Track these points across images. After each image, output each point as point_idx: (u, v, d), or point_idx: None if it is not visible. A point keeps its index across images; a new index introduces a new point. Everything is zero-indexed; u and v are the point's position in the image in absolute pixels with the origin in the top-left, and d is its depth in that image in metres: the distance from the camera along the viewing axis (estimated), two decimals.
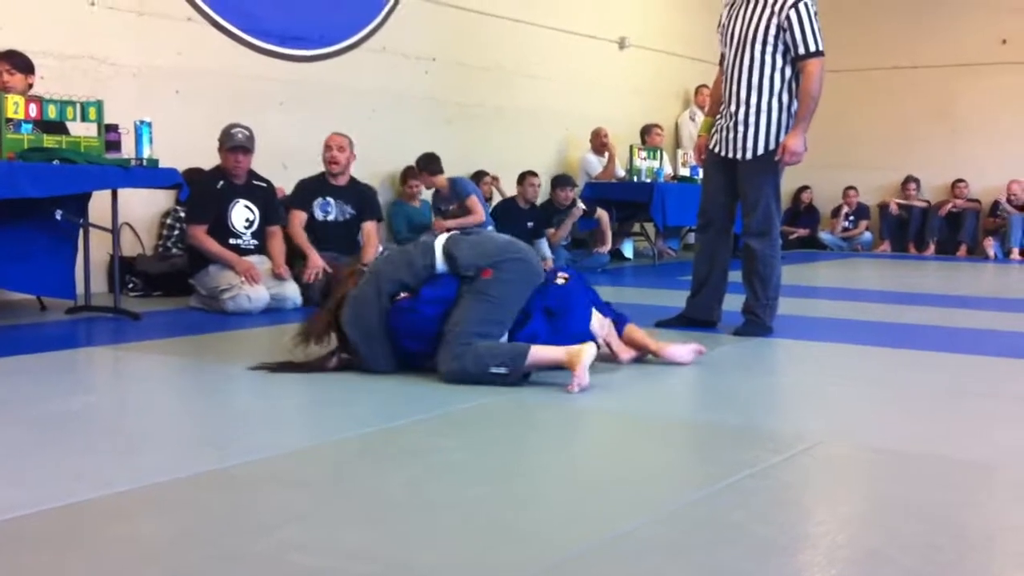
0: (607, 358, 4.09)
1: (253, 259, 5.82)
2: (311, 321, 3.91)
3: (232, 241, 5.85)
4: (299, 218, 6.24)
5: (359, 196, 6.48)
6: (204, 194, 5.71)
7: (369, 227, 6.40)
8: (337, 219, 6.37)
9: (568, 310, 3.92)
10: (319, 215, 6.33)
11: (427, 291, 3.80)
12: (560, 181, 8.80)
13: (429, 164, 7.97)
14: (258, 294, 5.61)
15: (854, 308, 6.34)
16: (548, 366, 3.68)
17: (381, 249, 5.98)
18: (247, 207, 5.94)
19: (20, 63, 5.38)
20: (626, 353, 4.15)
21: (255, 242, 5.95)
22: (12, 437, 2.91)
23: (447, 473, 2.62)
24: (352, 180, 6.50)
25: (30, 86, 5.40)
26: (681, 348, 4.20)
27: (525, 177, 8.53)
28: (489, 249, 3.84)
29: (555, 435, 3.17)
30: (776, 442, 2.96)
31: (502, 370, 3.61)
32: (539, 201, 8.71)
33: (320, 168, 6.51)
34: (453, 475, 2.61)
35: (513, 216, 8.32)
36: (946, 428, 3.27)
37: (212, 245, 5.77)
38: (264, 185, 6.08)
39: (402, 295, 3.83)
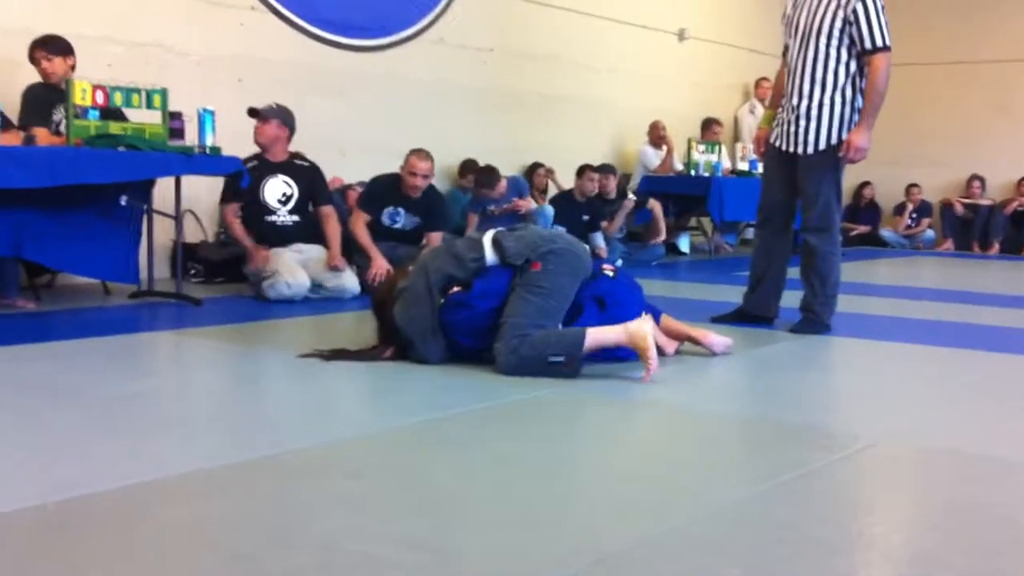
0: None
1: (312, 251, 5.86)
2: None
3: (268, 218, 5.87)
4: (363, 219, 6.15)
5: (430, 207, 6.32)
6: (233, 175, 5.73)
7: (434, 236, 6.21)
8: (404, 227, 6.29)
9: (621, 302, 3.93)
10: (386, 221, 6.24)
11: (479, 284, 3.83)
12: (601, 169, 8.70)
13: (492, 179, 7.89)
14: (297, 279, 5.58)
15: (915, 307, 6.23)
16: (607, 348, 3.68)
17: None
18: (284, 182, 5.92)
19: (57, 47, 5.39)
20: (671, 346, 4.15)
21: (294, 218, 5.93)
22: (75, 418, 2.98)
23: (496, 465, 2.63)
24: (428, 189, 6.34)
25: (72, 68, 5.43)
26: (719, 337, 4.23)
27: (583, 171, 8.50)
28: (536, 241, 3.87)
29: (605, 429, 3.16)
30: (831, 441, 2.92)
31: (560, 359, 3.62)
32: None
33: (383, 160, 6.49)
34: (502, 467, 2.62)
35: (569, 208, 8.30)
36: (1005, 429, 3.21)
37: (233, 226, 5.86)
38: (307, 165, 6.08)
39: (454, 289, 3.85)
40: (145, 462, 2.53)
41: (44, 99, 5.34)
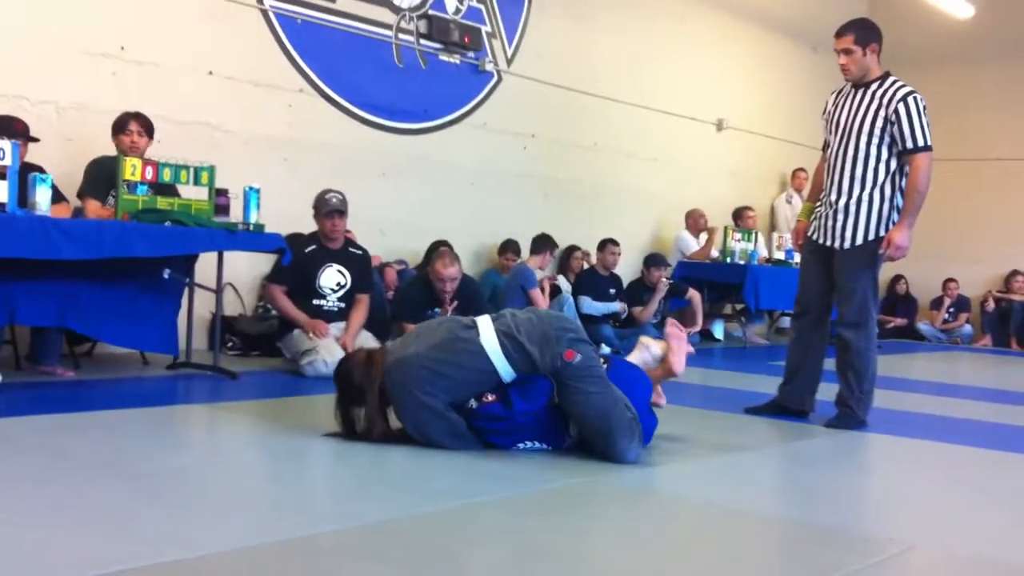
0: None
1: (334, 327, 5.92)
2: (367, 428, 3.78)
3: (316, 302, 5.97)
4: (408, 327, 5.99)
5: (467, 297, 6.29)
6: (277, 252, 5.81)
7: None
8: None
9: (629, 381, 3.95)
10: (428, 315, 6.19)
11: (520, 403, 3.70)
12: (654, 260, 8.80)
13: (545, 246, 8.13)
14: (335, 358, 5.56)
15: (953, 404, 6.16)
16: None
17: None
18: (339, 272, 6.05)
19: (147, 126, 5.60)
20: (661, 399, 4.23)
21: (341, 304, 6.04)
22: (111, 493, 3.00)
23: (528, 557, 2.62)
24: (460, 282, 6.30)
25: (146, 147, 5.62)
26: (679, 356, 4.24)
27: (605, 245, 8.59)
28: (551, 331, 3.65)
29: (639, 524, 3.14)
30: (867, 544, 2.88)
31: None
32: (618, 270, 8.69)
33: (423, 239, 6.50)
34: (534, 559, 2.60)
35: (594, 284, 8.38)
36: None
37: (284, 304, 5.94)
38: (360, 253, 6.21)
39: (489, 398, 3.72)
40: (180, 540, 2.53)
41: (110, 172, 5.46)
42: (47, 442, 3.65)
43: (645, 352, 4.25)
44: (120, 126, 5.55)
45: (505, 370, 3.66)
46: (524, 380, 3.71)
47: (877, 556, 2.76)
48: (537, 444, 3.81)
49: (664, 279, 8.75)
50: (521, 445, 3.80)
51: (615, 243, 8.58)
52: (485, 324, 3.71)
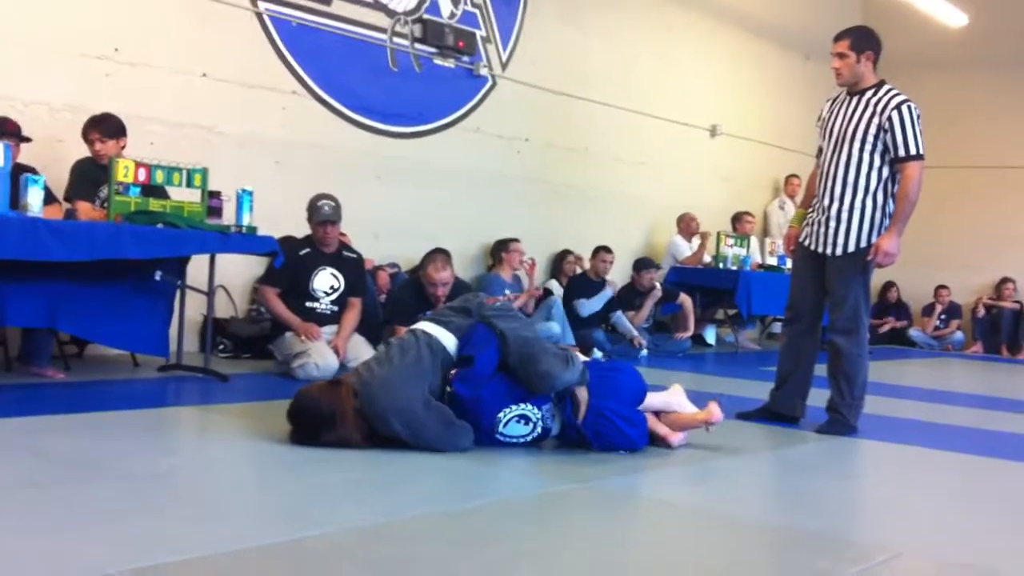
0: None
1: (326, 330, 5.93)
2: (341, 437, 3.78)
3: (309, 304, 5.97)
4: (400, 331, 6.10)
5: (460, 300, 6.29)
6: (284, 260, 5.81)
7: None
8: None
9: (611, 368, 4.12)
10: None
11: (476, 352, 3.87)
12: (643, 264, 8.82)
13: (508, 241, 8.11)
14: (326, 361, 5.66)
15: (942, 411, 6.17)
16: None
17: None
18: (333, 275, 6.06)
19: (110, 129, 5.50)
20: (674, 437, 4.15)
21: (335, 308, 6.05)
22: (99, 494, 2.99)
23: (518, 563, 2.62)
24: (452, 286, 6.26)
25: (122, 148, 5.54)
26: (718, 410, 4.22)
27: (598, 252, 8.60)
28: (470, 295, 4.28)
29: (629, 529, 3.14)
30: (855, 550, 2.89)
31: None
32: (611, 276, 8.68)
33: (415, 243, 6.51)
34: (525, 564, 2.60)
35: (585, 288, 8.38)
36: None
37: (277, 306, 5.93)
38: (354, 257, 6.22)
39: (453, 373, 3.88)
40: (169, 543, 2.53)
41: (93, 175, 5.46)
42: (36, 444, 3.64)
43: (676, 396, 4.25)
44: (83, 135, 5.52)
45: (449, 340, 3.91)
46: (467, 338, 3.91)
47: (866, 562, 2.76)
48: (520, 405, 3.85)
49: (658, 285, 8.76)
50: (507, 410, 3.83)
51: (608, 251, 8.59)
52: (421, 320, 4.13)
